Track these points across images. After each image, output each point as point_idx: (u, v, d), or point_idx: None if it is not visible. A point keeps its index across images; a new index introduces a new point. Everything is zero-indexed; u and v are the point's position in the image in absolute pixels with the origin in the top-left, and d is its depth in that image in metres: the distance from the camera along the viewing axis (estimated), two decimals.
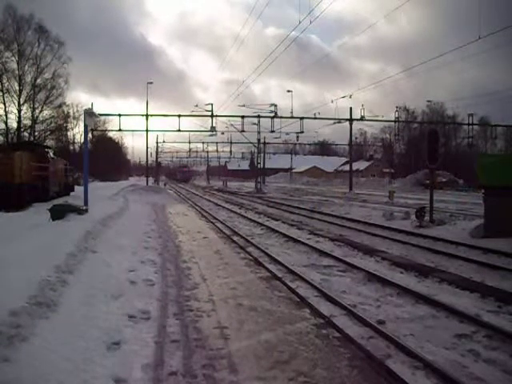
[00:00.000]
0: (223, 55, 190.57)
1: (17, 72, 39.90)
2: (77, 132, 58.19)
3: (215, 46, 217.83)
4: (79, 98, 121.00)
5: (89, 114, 16.13)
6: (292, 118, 34.94)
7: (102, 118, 44.48)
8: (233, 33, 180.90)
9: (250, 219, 16.40)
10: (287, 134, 41.59)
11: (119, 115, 32.07)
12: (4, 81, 39.42)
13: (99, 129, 52.73)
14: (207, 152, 68.09)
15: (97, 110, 20.49)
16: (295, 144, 65.39)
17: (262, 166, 48.03)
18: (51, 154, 23.62)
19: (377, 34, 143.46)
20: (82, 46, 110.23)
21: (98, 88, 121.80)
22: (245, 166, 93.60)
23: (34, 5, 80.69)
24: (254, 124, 39.74)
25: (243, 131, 35.99)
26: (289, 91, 37.28)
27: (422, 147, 37.20)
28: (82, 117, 18.97)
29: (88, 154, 17.10)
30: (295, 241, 11.06)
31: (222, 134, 46.05)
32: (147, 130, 36.27)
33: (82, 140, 39.02)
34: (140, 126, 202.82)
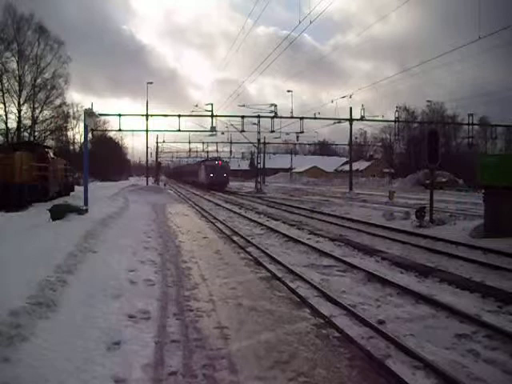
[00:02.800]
0: (214, 53, 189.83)
1: (17, 72, 39.92)
2: (77, 132, 58.19)
3: (205, 43, 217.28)
4: (72, 97, 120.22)
5: (89, 114, 16.14)
6: (292, 117, 34.91)
7: (102, 118, 44.46)
8: (223, 31, 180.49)
9: (250, 219, 16.40)
10: (287, 133, 41.60)
11: (119, 115, 32.04)
12: (4, 81, 39.45)
13: (99, 129, 52.70)
14: (207, 152, 68.00)
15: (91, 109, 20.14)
16: (295, 144, 65.38)
17: (262, 166, 48.01)
18: (51, 154, 23.60)
19: (371, 32, 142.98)
20: (70, 45, 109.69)
21: (90, 88, 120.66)
22: (245, 166, 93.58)
23: (32, 5, 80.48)
24: (254, 124, 39.76)
25: (243, 131, 35.97)
26: (289, 91, 37.33)
27: (422, 147, 37.15)
28: (82, 117, 18.98)
29: (88, 154, 17.10)
30: (295, 241, 11.06)
31: (222, 133, 46.03)
32: (147, 130, 36.31)
33: (82, 140, 38.94)
34: (139, 126, 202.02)
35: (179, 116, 32.06)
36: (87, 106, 51.52)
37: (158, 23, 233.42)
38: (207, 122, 32.60)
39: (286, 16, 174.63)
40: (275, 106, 33.97)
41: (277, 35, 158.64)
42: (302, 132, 36.75)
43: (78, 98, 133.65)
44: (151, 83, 39.02)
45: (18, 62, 39.83)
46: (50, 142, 41.68)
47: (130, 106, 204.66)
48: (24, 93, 40.61)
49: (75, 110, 52.79)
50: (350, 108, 35.75)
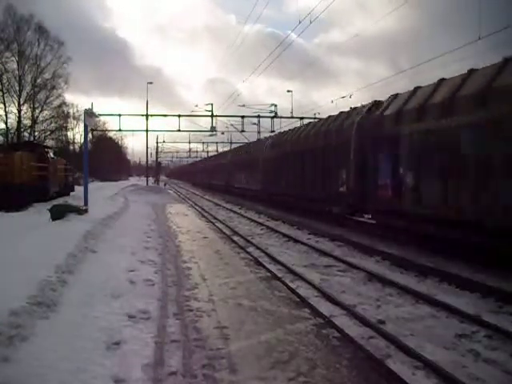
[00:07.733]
0: (200, 50, 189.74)
1: (17, 72, 39.81)
2: (77, 132, 58.02)
3: (189, 40, 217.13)
4: (66, 96, 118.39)
5: (89, 114, 16.13)
6: (292, 117, 34.88)
7: (102, 118, 44.38)
8: (206, 27, 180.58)
9: (250, 219, 16.40)
10: None
11: (119, 115, 32.05)
12: (4, 81, 39.30)
13: (99, 129, 52.66)
14: (207, 152, 67.95)
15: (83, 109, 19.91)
16: None
17: None
18: (51, 154, 23.57)
19: (367, 32, 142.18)
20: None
21: (77, 87, 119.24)
22: None
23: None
24: (254, 124, 39.72)
25: (243, 131, 35.97)
26: (289, 91, 37.26)
27: None
28: (82, 117, 18.97)
29: (88, 154, 17.11)
30: (295, 241, 11.07)
31: (222, 133, 45.98)
32: (147, 130, 36.29)
33: (82, 140, 38.93)
34: (136, 126, 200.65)
35: (179, 116, 32.06)
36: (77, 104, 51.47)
37: (138, 19, 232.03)
38: (205, 123, 32.57)
39: (269, 13, 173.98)
40: (275, 105, 33.97)
41: (263, 33, 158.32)
42: None
43: (68, 97, 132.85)
44: (151, 83, 39.03)
45: (18, 62, 39.74)
46: (50, 142, 41.53)
47: (120, 105, 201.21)
48: (24, 93, 40.52)
49: (75, 110, 52.74)
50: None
